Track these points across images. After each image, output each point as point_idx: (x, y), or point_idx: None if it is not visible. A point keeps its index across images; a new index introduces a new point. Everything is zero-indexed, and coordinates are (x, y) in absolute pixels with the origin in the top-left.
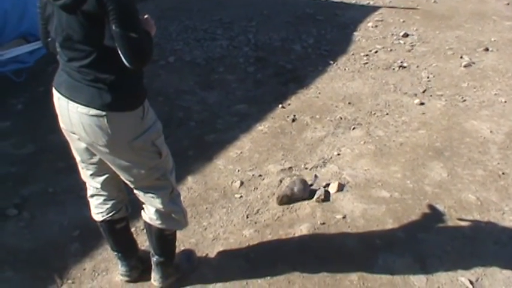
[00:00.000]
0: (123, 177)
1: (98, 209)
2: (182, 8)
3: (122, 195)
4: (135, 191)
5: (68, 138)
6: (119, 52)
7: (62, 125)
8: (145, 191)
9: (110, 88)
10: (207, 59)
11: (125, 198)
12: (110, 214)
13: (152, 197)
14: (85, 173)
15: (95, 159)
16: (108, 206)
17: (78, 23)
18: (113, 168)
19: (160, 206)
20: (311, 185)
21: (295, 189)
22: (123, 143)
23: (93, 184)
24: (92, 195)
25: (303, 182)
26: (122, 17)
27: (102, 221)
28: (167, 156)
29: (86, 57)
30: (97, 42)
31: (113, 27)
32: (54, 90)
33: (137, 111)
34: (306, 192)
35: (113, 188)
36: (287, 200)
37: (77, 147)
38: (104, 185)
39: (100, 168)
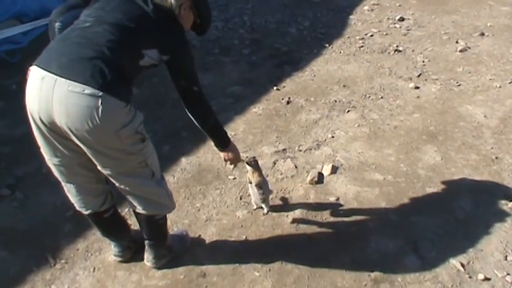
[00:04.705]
0: (102, 166)
1: (81, 204)
2: None
3: (102, 187)
4: (116, 186)
5: (39, 137)
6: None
7: (35, 115)
8: (126, 180)
9: (114, 70)
10: (202, 41)
11: (106, 188)
12: (95, 208)
13: (134, 186)
14: (59, 175)
15: (73, 158)
16: (91, 200)
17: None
18: (92, 157)
19: (143, 194)
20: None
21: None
22: (110, 131)
23: (68, 184)
24: (71, 193)
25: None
26: (186, 69)
27: (88, 214)
28: (148, 142)
29: (112, 38)
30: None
31: (178, 80)
32: (37, 69)
33: (126, 104)
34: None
35: (91, 184)
36: None
37: (48, 143)
38: (82, 184)
39: (74, 171)
